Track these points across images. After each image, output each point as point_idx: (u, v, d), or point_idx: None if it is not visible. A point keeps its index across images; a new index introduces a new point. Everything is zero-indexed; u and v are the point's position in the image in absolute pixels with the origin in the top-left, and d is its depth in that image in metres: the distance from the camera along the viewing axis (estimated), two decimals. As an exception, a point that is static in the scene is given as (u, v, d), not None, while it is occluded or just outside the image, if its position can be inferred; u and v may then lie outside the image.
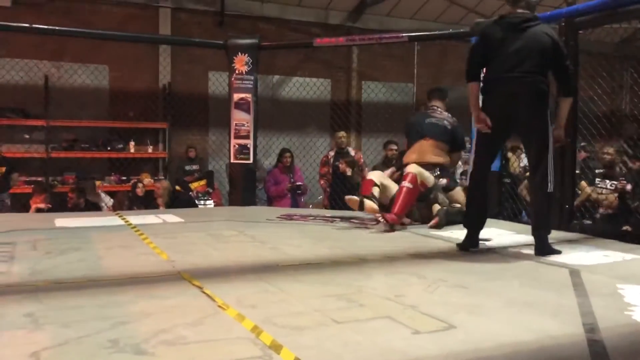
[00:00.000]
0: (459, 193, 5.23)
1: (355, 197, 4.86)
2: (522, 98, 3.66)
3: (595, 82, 5.70)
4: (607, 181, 6.52)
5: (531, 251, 3.73)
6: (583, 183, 6.43)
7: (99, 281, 2.91)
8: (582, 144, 6.32)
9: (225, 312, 2.35)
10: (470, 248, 3.88)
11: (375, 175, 5.10)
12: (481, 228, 3.93)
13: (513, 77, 3.67)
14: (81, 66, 8.63)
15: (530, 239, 3.99)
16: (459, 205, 5.04)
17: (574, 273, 3.12)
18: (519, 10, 3.79)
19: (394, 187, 5.01)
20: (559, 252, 3.70)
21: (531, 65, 3.66)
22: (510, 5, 3.83)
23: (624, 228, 5.66)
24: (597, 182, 6.64)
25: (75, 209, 6.90)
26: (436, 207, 5.01)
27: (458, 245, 3.94)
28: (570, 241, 4.24)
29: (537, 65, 3.67)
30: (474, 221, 3.91)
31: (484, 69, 3.87)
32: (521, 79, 3.67)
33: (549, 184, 3.69)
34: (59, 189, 8.21)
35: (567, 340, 2.07)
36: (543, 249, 3.70)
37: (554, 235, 4.45)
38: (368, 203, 4.77)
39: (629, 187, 6.23)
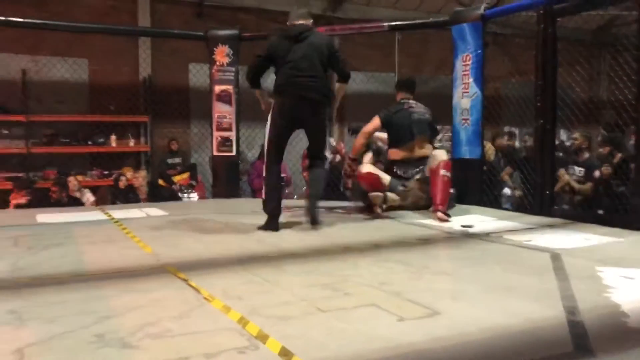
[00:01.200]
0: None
1: (380, 193, 4.89)
2: (307, 99, 4.31)
3: (573, 70, 5.76)
4: (576, 167, 6.62)
5: (513, 236, 3.79)
6: (561, 170, 6.52)
7: (83, 276, 2.90)
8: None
9: (211, 304, 2.36)
10: (274, 230, 4.25)
11: (373, 169, 5.17)
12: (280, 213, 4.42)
13: (299, 81, 4.31)
14: (60, 60, 8.51)
15: (512, 224, 4.09)
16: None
17: (555, 257, 3.17)
18: (298, 22, 4.46)
19: (386, 177, 5.14)
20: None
21: (313, 70, 4.33)
22: (291, 20, 4.52)
23: (599, 212, 5.75)
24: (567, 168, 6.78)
25: (58, 204, 6.83)
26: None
27: (260, 227, 4.30)
28: (551, 226, 4.31)
29: (318, 68, 4.35)
30: (278, 207, 4.39)
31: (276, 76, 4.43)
32: (307, 83, 4.32)
33: (326, 161, 4.62)
34: (40, 184, 8.11)
35: (549, 323, 2.11)
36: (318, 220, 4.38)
37: (536, 220, 4.54)
38: (390, 196, 4.87)
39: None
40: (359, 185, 5.21)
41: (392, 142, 5.36)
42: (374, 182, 5.04)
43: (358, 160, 5.37)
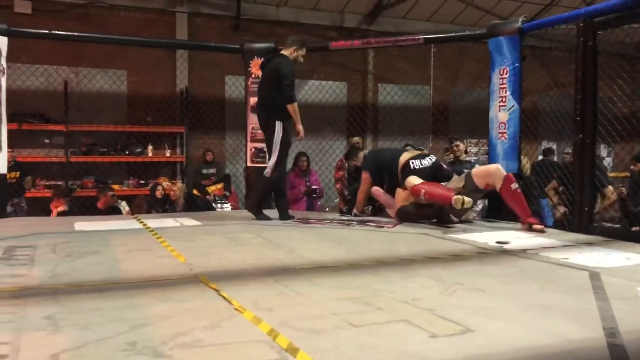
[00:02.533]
0: None
1: (459, 196, 4.84)
2: (259, 117, 5.62)
3: (614, 84, 5.62)
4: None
5: (550, 254, 3.70)
6: (610, 188, 6.34)
7: (118, 284, 2.94)
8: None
9: (241, 315, 2.36)
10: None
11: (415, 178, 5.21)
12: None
13: (258, 102, 5.66)
14: (99, 71, 8.75)
15: (549, 241, 3.99)
16: None
17: (594, 276, 3.08)
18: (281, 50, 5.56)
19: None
20: (269, 219, 5.38)
21: (262, 93, 5.56)
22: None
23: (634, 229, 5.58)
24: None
25: (112, 210, 6.97)
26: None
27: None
28: (589, 244, 4.19)
29: (264, 92, 5.47)
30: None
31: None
32: (258, 104, 5.63)
33: (267, 170, 5.44)
34: (78, 193, 8.31)
35: (588, 345, 2.04)
36: (259, 215, 5.46)
37: (574, 237, 4.42)
38: (466, 198, 4.86)
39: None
40: (406, 206, 5.23)
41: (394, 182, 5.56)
42: (436, 188, 5.02)
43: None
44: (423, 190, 4.98)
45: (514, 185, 4.91)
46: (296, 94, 5.46)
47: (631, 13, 4.67)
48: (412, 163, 5.34)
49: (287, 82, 5.30)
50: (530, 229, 4.79)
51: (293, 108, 5.34)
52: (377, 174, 5.69)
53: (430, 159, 5.42)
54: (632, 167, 6.56)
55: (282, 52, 5.59)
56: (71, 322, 2.24)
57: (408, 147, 6.26)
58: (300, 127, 5.43)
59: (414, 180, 5.15)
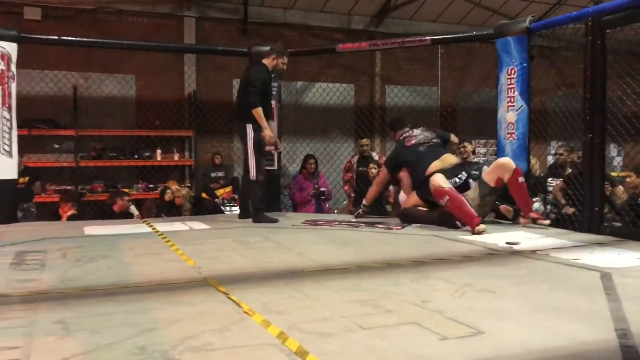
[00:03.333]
0: None
1: (484, 226, 4.68)
2: (236, 122, 5.82)
3: (624, 83, 5.58)
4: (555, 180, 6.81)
5: (561, 254, 3.67)
6: (620, 188, 6.31)
7: (128, 288, 2.95)
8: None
9: (251, 318, 2.36)
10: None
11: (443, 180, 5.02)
12: None
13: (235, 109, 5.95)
14: (108, 76, 8.80)
15: (559, 242, 3.98)
16: None
17: (605, 276, 3.05)
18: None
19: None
20: (275, 221, 5.45)
21: (237, 100, 5.77)
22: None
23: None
24: (549, 180, 7.00)
25: (127, 214, 7.01)
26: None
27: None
28: (600, 244, 4.16)
29: (239, 99, 5.70)
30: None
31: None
32: (235, 110, 5.88)
33: (251, 173, 5.50)
34: (88, 197, 8.35)
35: (599, 346, 2.03)
36: (257, 218, 5.49)
37: (584, 238, 4.39)
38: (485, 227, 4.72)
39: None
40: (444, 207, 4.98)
41: (413, 182, 5.44)
42: (462, 203, 4.80)
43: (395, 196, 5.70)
44: (447, 197, 4.78)
45: (522, 179, 5.04)
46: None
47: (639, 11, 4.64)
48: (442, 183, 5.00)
49: (252, 89, 5.47)
50: (534, 222, 4.97)
51: (257, 113, 5.45)
52: (396, 171, 5.61)
53: (459, 179, 5.14)
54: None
55: (263, 61, 5.74)
56: (82, 327, 2.26)
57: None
58: (266, 132, 5.49)
59: (441, 181, 4.92)
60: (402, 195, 5.73)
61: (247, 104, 5.49)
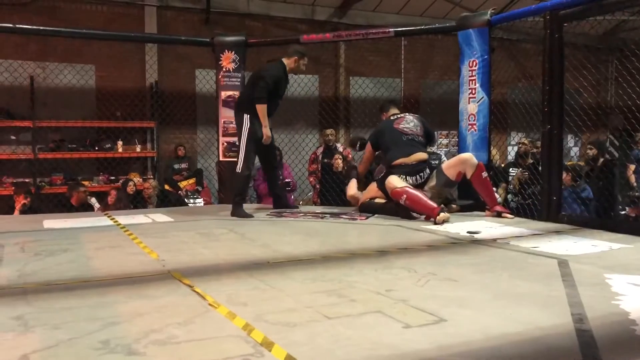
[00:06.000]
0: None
1: (445, 213, 4.77)
2: (236, 112, 5.68)
3: (580, 75, 5.74)
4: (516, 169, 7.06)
5: (520, 243, 3.77)
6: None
7: (89, 282, 2.90)
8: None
9: (216, 311, 2.35)
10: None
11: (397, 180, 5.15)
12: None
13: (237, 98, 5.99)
14: (67, 66, 8.56)
15: (518, 230, 4.09)
16: None
17: (563, 264, 3.15)
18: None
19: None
20: (250, 216, 5.33)
21: (245, 89, 5.84)
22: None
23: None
24: (510, 170, 7.21)
25: (87, 207, 6.86)
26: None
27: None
28: (558, 232, 4.28)
29: (246, 90, 5.69)
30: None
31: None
32: (238, 100, 5.88)
33: (238, 165, 5.48)
34: (46, 190, 8.15)
35: (557, 331, 2.09)
36: (234, 211, 5.39)
37: (543, 226, 4.52)
38: (448, 215, 4.81)
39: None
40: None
41: (386, 159, 5.48)
42: (419, 197, 4.93)
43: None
44: (405, 196, 4.91)
45: (485, 174, 5.12)
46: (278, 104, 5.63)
47: (596, 5, 4.77)
48: (402, 177, 5.18)
49: (262, 84, 5.39)
50: (498, 215, 5.03)
51: (261, 110, 5.40)
52: (377, 148, 5.67)
53: (420, 177, 5.27)
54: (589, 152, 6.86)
55: (283, 59, 5.65)
56: (42, 322, 2.21)
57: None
58: (265, 131, 5.44)
59: (396, 182, 5.07)
60: (351, 188, 5.81)
61: (253, 98, 5.41)
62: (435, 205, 4.81)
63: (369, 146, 5.77)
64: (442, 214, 4.70)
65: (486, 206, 5.23)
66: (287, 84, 5.82)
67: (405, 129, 5.45)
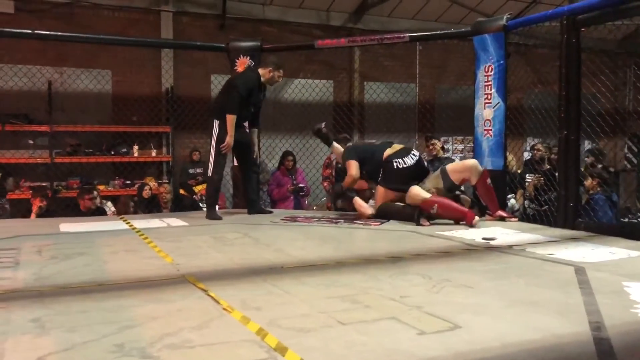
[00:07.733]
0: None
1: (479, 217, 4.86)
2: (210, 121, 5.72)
3: (598, 80, 5.68)
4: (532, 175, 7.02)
5: (536, 249, 3.73)
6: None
7: (105, 285, 2.92)
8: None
9: (230, 315, 2.35)
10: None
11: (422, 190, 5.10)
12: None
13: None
14: (84, 71, 8.66)
15: (535, 237, 4.04)
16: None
17: (580, 271, 3.11)
18: None
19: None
20: (219, 218, 5.47)
21: (218, 97, 5.90)
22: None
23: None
24: (527, 176, 7.17)
25: (97, 211, 6.90)
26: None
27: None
28: (575, 239, 4.23)
29: (219, 97, 5.80)
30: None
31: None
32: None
33: (209, 171, 5.64)
34: (63, 193, 8.23)
35: (573, 339, 2.06)
36: (208, 214, 5.58)
37: (559, 233, 4.46)
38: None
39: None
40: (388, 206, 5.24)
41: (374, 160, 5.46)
42: (450, 204, 4.97)
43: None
44: (436, 205, 4.91)
45: (489, 181, 5.13)
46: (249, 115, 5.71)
47: (613, 10, 4.73)
48: (396, 163, 5.22)
49: (235, 95, 5.48)
50: (502, 220, 5.04)
51: (230, 120, 5.46)
52: (361, 164, 5.51)
53: (414, 156, 5.29)
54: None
55: (259, 69, 5.71)
56: (57, 325, 2.22)
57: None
58: (228, 140, 5.46)
59: (422, 193, 5.00)
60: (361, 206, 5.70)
61: (224, 106, 5.52)
62: (466, 209, 4.89)
63: (353, 162, 5.49)
64: (476, 217, 4.77)
65: (487, 210, 5.21)
66: (263, 92, 5.82)
67: (371, 143, 5.66)
